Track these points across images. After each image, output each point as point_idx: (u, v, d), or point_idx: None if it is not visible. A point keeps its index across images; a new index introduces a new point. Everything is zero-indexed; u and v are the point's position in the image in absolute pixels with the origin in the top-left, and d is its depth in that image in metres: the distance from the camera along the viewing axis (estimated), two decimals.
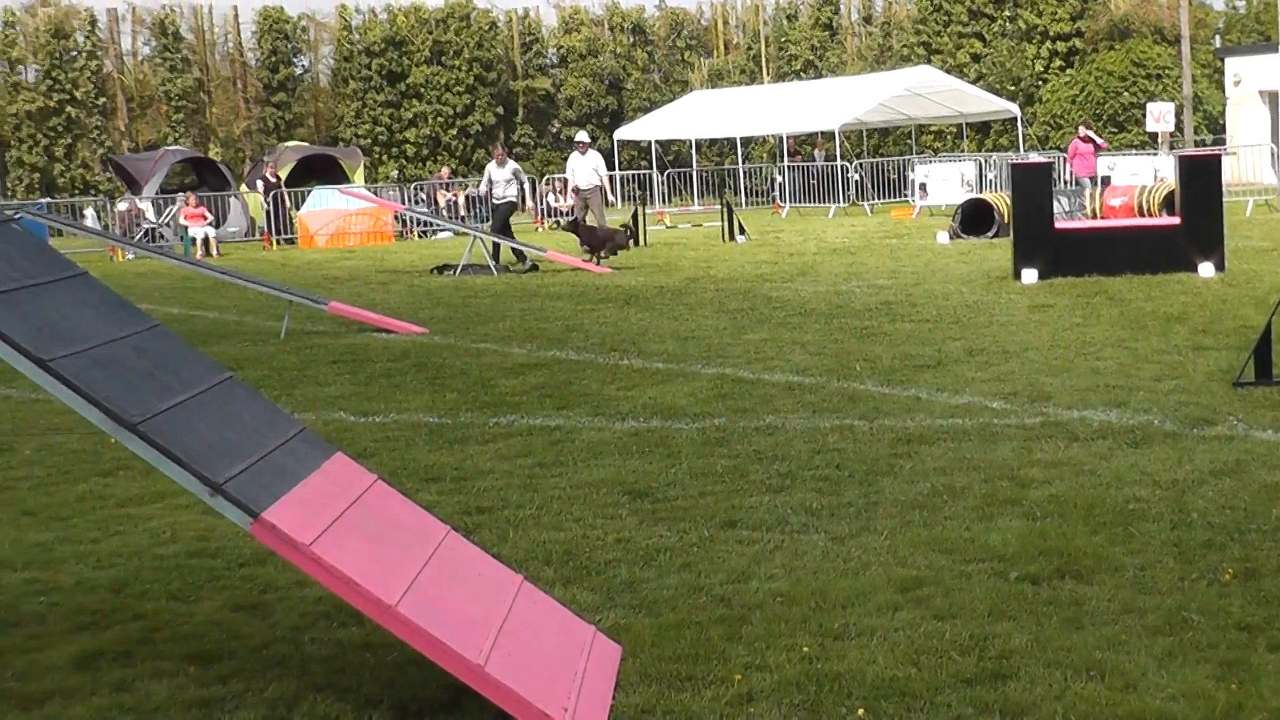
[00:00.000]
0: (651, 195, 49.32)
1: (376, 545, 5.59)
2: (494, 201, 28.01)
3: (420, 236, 39.48)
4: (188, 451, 5.33)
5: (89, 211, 43.37)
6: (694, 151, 53.86)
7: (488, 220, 30.04)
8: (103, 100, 53.13)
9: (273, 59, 56.10)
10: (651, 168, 51.63)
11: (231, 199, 41.89)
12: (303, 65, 58.29)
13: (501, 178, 27.82)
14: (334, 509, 5.63)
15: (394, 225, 39.00)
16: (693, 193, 51.89)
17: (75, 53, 52.68)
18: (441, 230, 37.92)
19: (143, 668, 6.22)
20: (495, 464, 9.91)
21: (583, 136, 31.36)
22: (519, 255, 26.46)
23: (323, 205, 38.74)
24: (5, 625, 6.92)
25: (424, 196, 43.81)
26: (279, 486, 5.51)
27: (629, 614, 6.63)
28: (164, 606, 7.08)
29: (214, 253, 35.69)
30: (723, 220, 33.39)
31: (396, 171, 51.80)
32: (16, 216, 31.41)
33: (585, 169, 29.78)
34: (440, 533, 6.12)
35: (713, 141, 57.50)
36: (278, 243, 38.96)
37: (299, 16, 57.42)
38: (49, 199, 46.55)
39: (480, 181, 30.07)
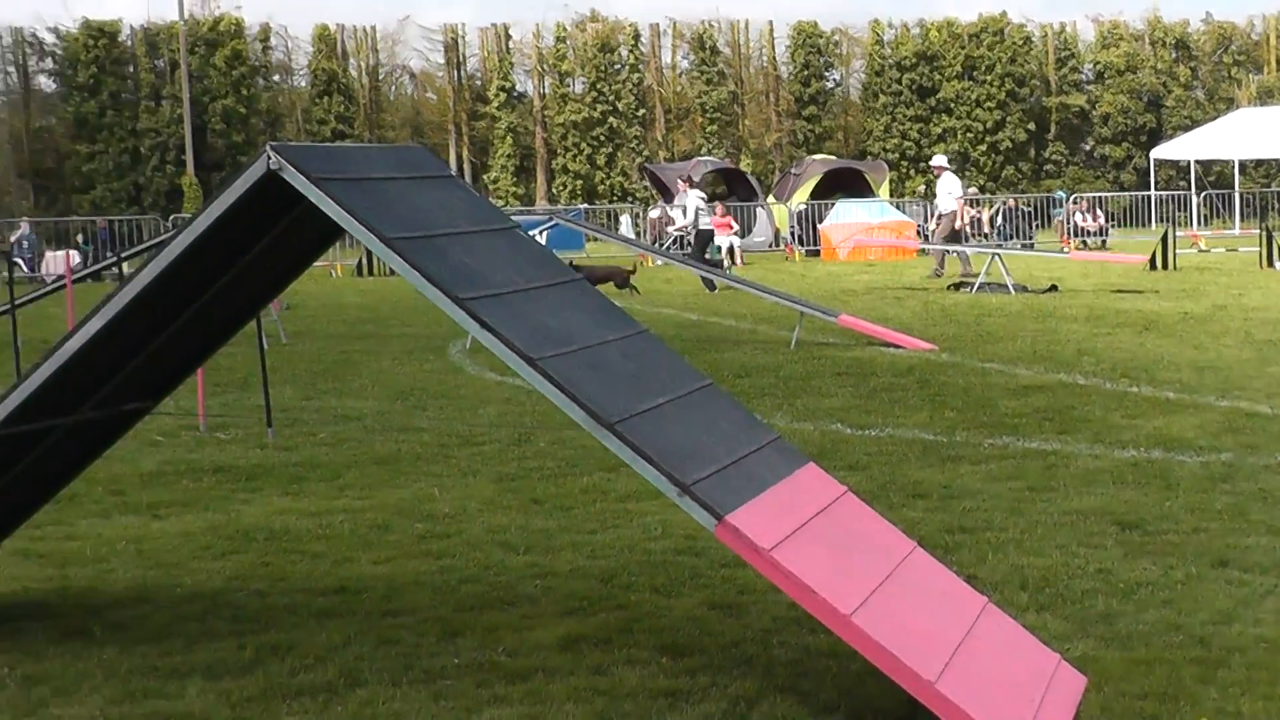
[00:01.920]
0: (1189, 217, 47.42)
1: (838, 555, 5.72)
2: (697, 228, 30.06)
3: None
4: (660, 452, 5.59)
5: (624, 218, 45.32)
6: (1236, 172, 51.42)
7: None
8: (642, 111, 55.39)
9: (805, 72, 57.08)
10: (1189, 188, 49.64)
11: (758, 209, 42.90)
12: (834, 79, 59.06)
13: (693, 204, 30.58)
14: (799, 517, 5.78)
15: (916, 241, 39.01)
16: (1232, 215, 49.57)
17: (619, 66, 55.14)
18: (959, 248, 37.64)
19: (619, 654, 6.56)
20: (985, 485, 9.86)
21: (940, 160, 32.45)
22: (708, 284, 26.66)
23: (846, 219, 39.16)
24: (503, 603, 7.43)
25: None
26: (746, 491, 5.71)
27: (1099, 646, 6.51)
28: (646, 599, 7.43)
29: (738, 261, 36.65)
30: (1261, 245, 31.78)
31: (924, 186, 51.74)
32: (552, 223, 33.22)
33: (942, 193, 30.88)
34: (905, 548, 6.19)
35: (1259, 162, 54.77)
36: (801, 254, 39.64)
37: (832, 30, 58.21)
38: (588, 205, 48.92)
39: (684, 211, 32.39)
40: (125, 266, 21.35)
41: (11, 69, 52.79)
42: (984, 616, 5.98)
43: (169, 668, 6.51)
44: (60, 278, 22.40)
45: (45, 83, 53.84)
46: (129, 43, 51.89)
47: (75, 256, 35.66)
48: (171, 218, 45.41)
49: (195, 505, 9.80)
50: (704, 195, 31.14)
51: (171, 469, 10.99)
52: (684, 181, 33.26)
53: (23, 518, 7.95)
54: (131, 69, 51.87)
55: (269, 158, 5.99)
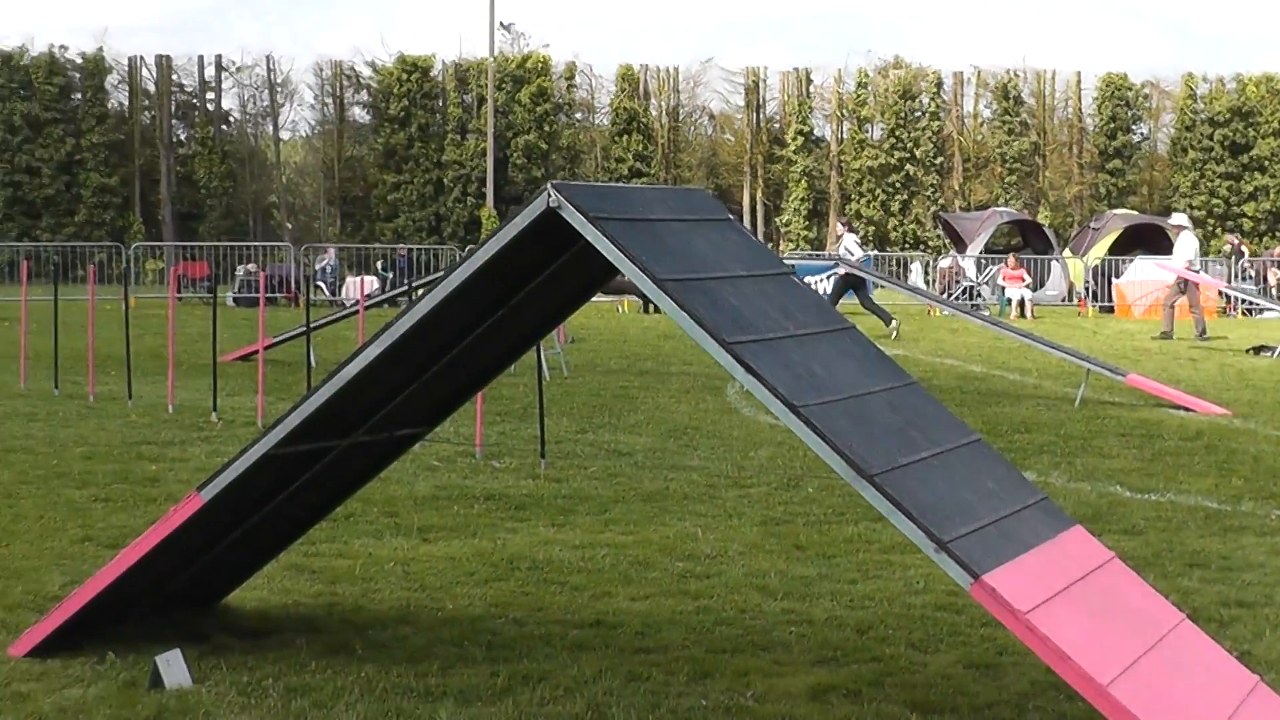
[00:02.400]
0: None
1: (1098, 622, 5.53)
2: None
3: (1245, 314, 37.88)
4: (920, 507, 5.49)
5: (915, 266, 44.86)
6: None
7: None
8: (940, 159, 54.80)
9: (1111, 125, 55.71)
10: None
11: (1053, 262, 42.01)
12: (1141, 132, 57.50)
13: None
14: (1059, 581, 5.61)
15: (1218, 300, 37.66)
16: None
17: (919, 113, 54.66)
18: (1268, 310, 36.22)
19: (869, 708, 6.46)
20: (1268, 558, 9.44)
21: (1179, 219, 32.59)
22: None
23: (1143, 275, 38.04)
24: (756, 648, 7.39)
25: (1253, 273, 42.03)
26: (1007, 551, 5.57)
27: None
28: (901, 653, 7.30)
29: (1028, 315, 35.92)
30: None
31: (1228, 246, 50.02)
32: (838, 269, 33.06)
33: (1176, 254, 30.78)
34: (1173, 619, 5.95)
35: None
36: (1095, 310, 38.66)
37: (1142, 84, 56.69)
38: (878, 252, 48.57)
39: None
40: (418, 295, 21.97)
41: (329, 100, 55.01)
42: (1253, 697, 5.71)
43: (424, 689, 6.65)
44: (357, 302, 23.20)
45: (359, 114, 55.96)
46: (440, 78, 53.55)
47: (373, 282, 36.90)
48: (467, 249, 46.69)
49: (464, 531, 10.00)
50: (858, 240, 32.01)
51: (445, 494, 11.24)
52: (843, 225, 33.73)
53: (299, 533, 8.23)
54: (440, 103, 53.50)
55: (549, 195, 6.10)
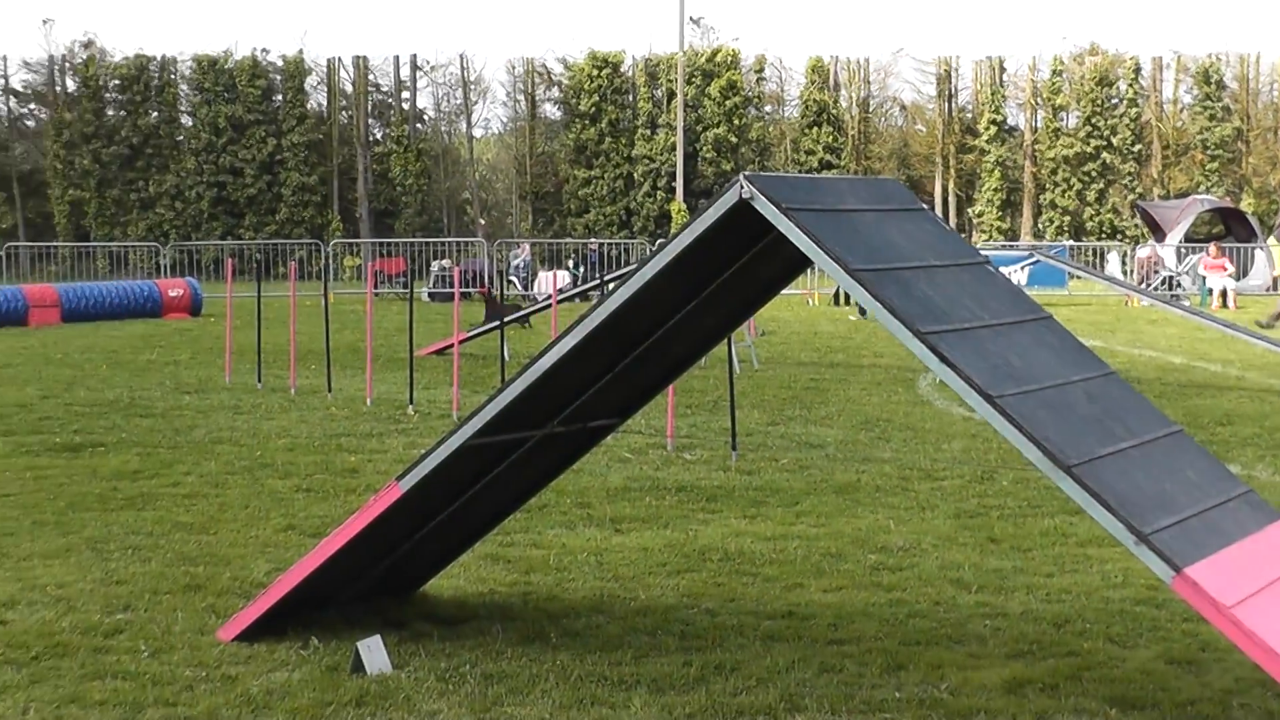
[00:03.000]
0: None
1: None
2: None
3: None
4: (1120, 498, 5.39)
5: (1112, 256, 43.94)
6: None
7: None
8: (1138, 147, 53.59)
9: None
10: None
11: (1257, 251, 40.85)
12: None
13: None
14: (1267, 575, 5.47)
15: None
16: None
17: (1116, 100, 53.50)
18: None
19: (1066, 703, 6.37)
20: None
21: None
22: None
23: None
24: (950, 640, 7.32)
25: None
26: (1210, 544, 5.44)
27: None
28: (1099, 648, 7.18)
29: (1231, 305, 34.98)
30: None
31: None
32: (1033, 259, 32.52)
33: None
34: None
35: None
36: None
37: None
38: (1074, 242, 47.67)
39: None
40: (609, 288, 22.13)
41: (521, 97, 55.65)
42: None
43: (617, 677, 6.71)
44: (549, 297, 23.46)
45: (550, 110, 56.53)
46: (630, 73, 53.85)
47: (565, 277, 37.24)
48: (657, 242, 46.88)
49: (656, 522, 10.06)
50: None
51: (637, 485, 11.32)
52: None
53: (494, 523, 8.35)
54: (631, 98, 53.80)
55: (742, 187, 6.10)
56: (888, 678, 6.73)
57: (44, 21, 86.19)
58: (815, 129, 53.85)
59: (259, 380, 18.06)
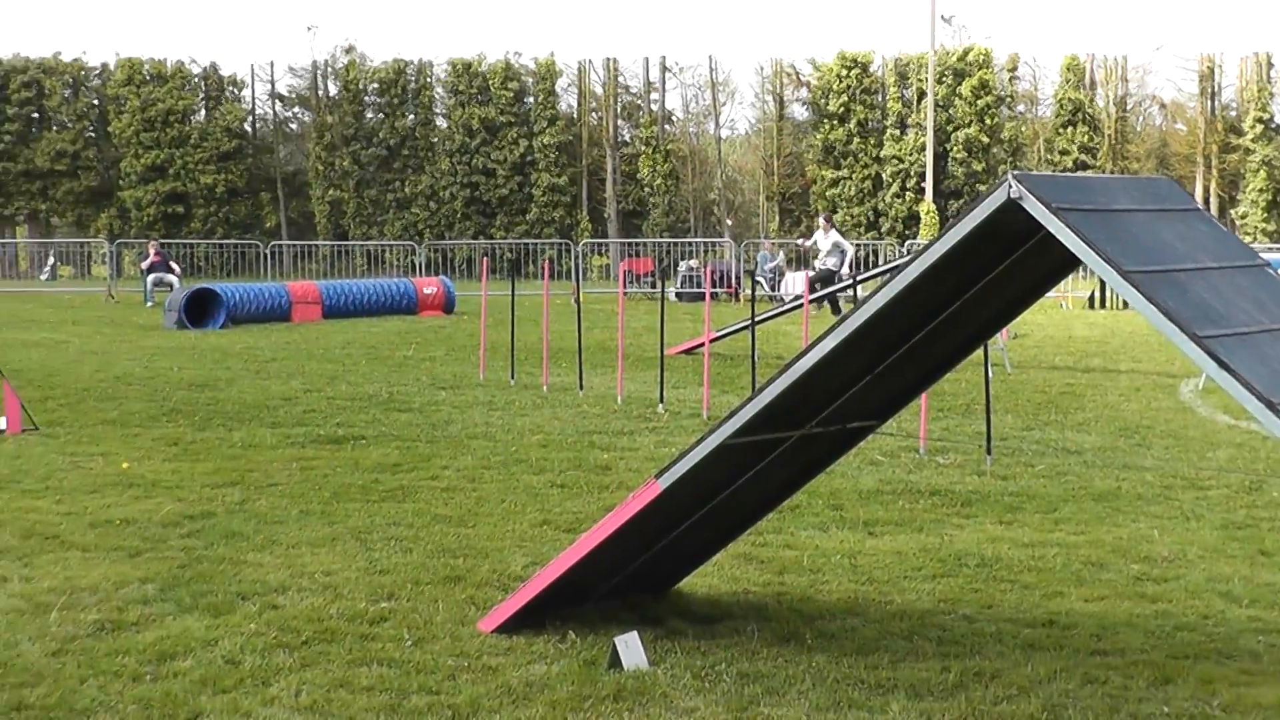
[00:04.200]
0: None
1: None
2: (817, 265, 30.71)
3: None
4: None
5: None
6: None
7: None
8: None
9: None
10: None
11: None
12: None
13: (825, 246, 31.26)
14: None
15: None
16: None
17: None
18: None
19: None
20: None
21: None
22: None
23: None
24: (1221, 655, 7.09)
25: None
26: None
27: None
28: None
29: None
30: None
31: None
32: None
33: None
34: None
35: None
36: None
37: None
38: None
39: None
40: (860, 289, 22.02)
41: (769, 98, 55.63)
42: None
43: (874, 681, 6.64)
44: (798, 297, 23.37)
45: (798, 111, 56.42)
46: (879, 73, 53.43)
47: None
48: (906, 243, 46.36)
49: (909, 526, 9.95)
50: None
51: (889, 488, 11.21)
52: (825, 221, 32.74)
53: (749, 523, 8.35)
54: (880, 98, 53.37)
55: (1010, 186, 5.99)
56: (1155, 691, 6.54)
57: (308, 28, 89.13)
58: (1070, 128, 52.75)
59: (512, 377, 18.37)
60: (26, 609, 7.67)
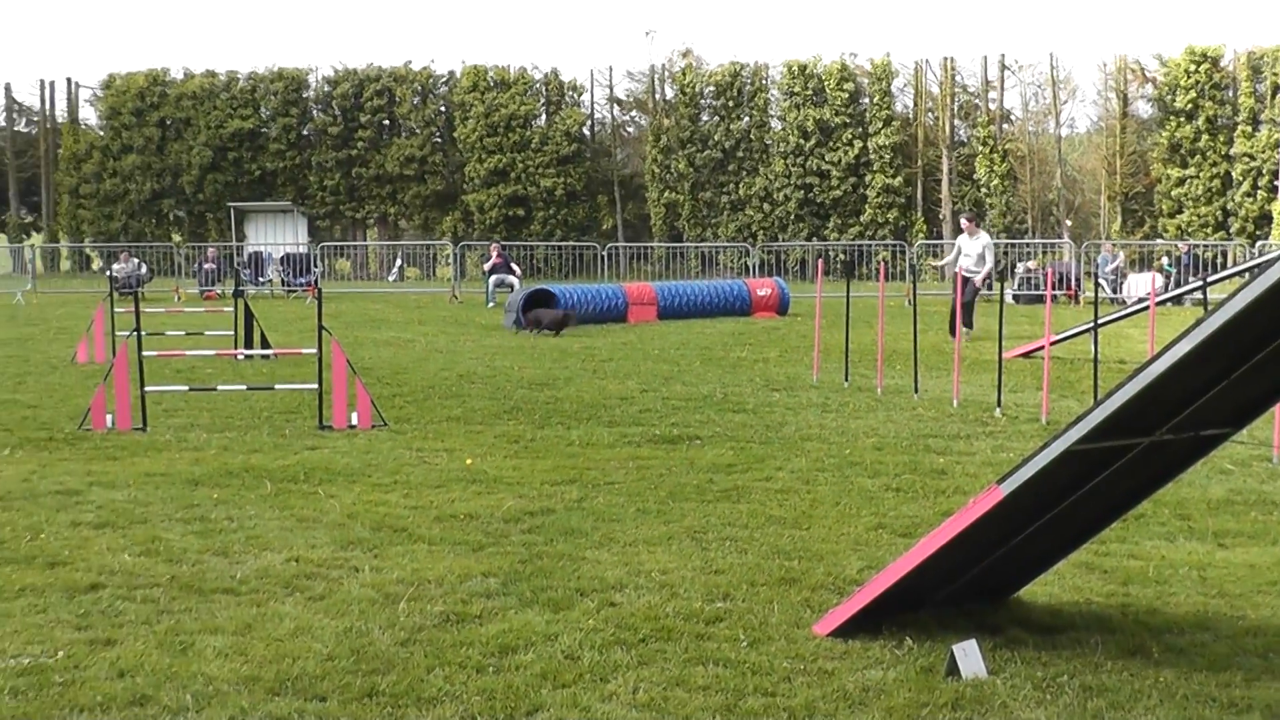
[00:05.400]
0: None
1: None
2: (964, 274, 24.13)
3: None
4: None
5: None
6: None
7: None
8: None
9: None
10: None
11: None
12: None
13: (974, 251, 25.63)
14: None
15: None
16: None
17: None
18: None
19: None
20: None
21: None
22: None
23: None
24: None
25: None
26: None
27: None
28: None
29: None
30: None
31: None
32: None
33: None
34: None
35: None
36: None
37: None
38: None
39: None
40: (1210, 292, 21.20)
41: (1112, 95, 54.07)
42: None
43: (1227, 700, 6.37)
44: (1141, 300, 22.64)
45: (1142, 108, 54.68)
46: (1230, 67, 51.37)
47: (1159, 280, 35.91)
48: (1257, 244, 44.41)
49: (1263, 538, 9.51)
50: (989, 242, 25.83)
51: (1240, 499, 10.74)
52: (968, 223, 26.30)
53: (1093, 532, 8.10)
54: (1231, 93, 51.32)
55: None
56: None
57: (646, 33, 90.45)
58: None
59: (846, 379, 18.28)
60: (377, 599, 7.97)
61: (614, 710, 6.26)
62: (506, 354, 22.46)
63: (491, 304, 36.13)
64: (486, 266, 38.91)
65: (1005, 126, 55.16)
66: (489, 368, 20.25)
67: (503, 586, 8.23)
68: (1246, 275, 6.31)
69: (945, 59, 55.03)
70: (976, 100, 55.56)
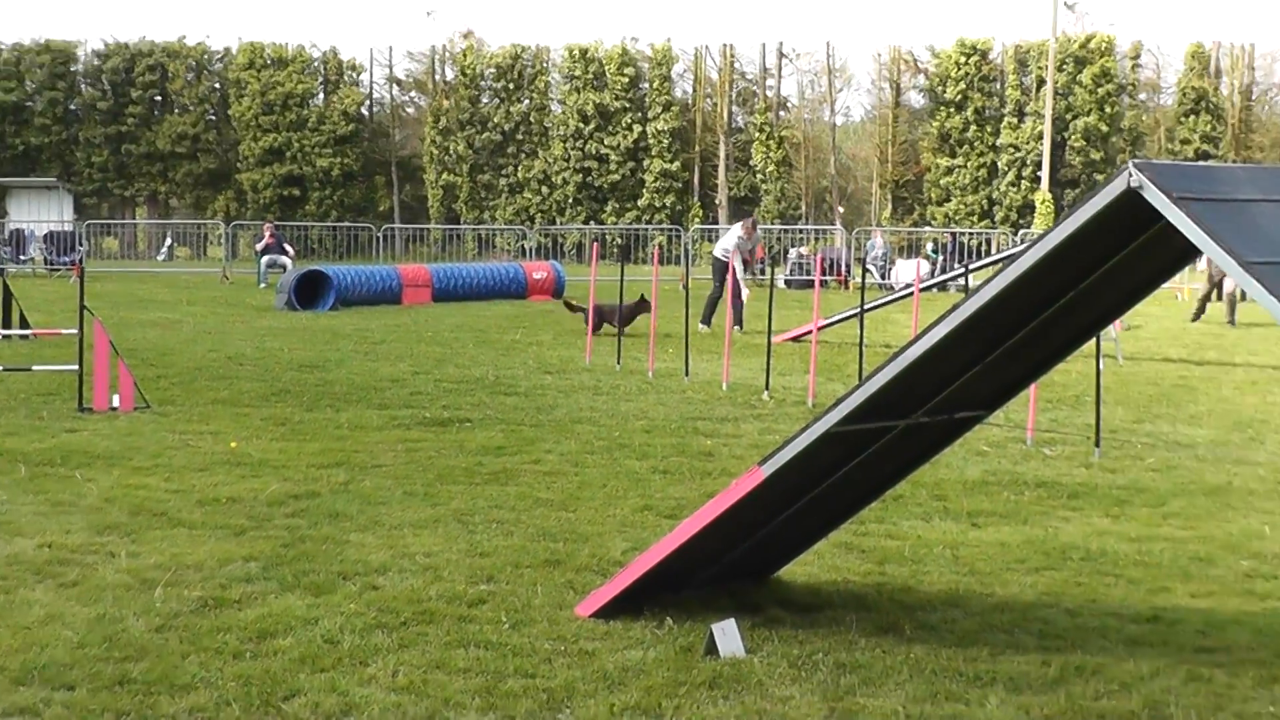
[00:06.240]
0: None
1: None
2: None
3: None
4: None
5: None
6: None
7: None
8: None
9: None
10: None
11: None
12: None
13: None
14: None
15: None
16: None
17: None
18: None
19: None
20: None
21: None
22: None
23: None
24: None
25: None
26: None
27: None
28: None
29: None
30: None
31: None
32: None
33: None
34: None
35: None
36: None
37: None
38: None
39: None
40: (972, 278, 21.81)
41: (885, 85, 55.26)
42: None
43: (973, 674, 6.56)
44: (908, 286, 23.19)
45: (914, 98, 55.99)
46: (999, 60, 52.86)
47: (924, 266, 36.85)
48: (1020, 233, 45.82)
49: (1014, 518, 9.83)
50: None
51: (995, 480, 11.08)
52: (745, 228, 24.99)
53: (851, 512, 8.29)
54: (999, 85, 52.81)
55: (1130, 175, 5.87)
56: (1261, 691, 6.40)
57: (427, 14, 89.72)
58: (1192, 117, 51.90)
59: (618, 362, 18.39)
60: (133, 584, 7.78)
61: (373, 694, 6.21)
62: (277, 335, 22.13)
63: (264, 285, 35.55)
64: (259, 247, 38.29)
65: (782, 114, 56.02)
66: (259, 349, 19.92)
67: (263, 571, 8.10)
68: (1003, 263, 6.50)
69: (725, 46, 55.70)
70: (754, 87, 56.33)
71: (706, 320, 23.50)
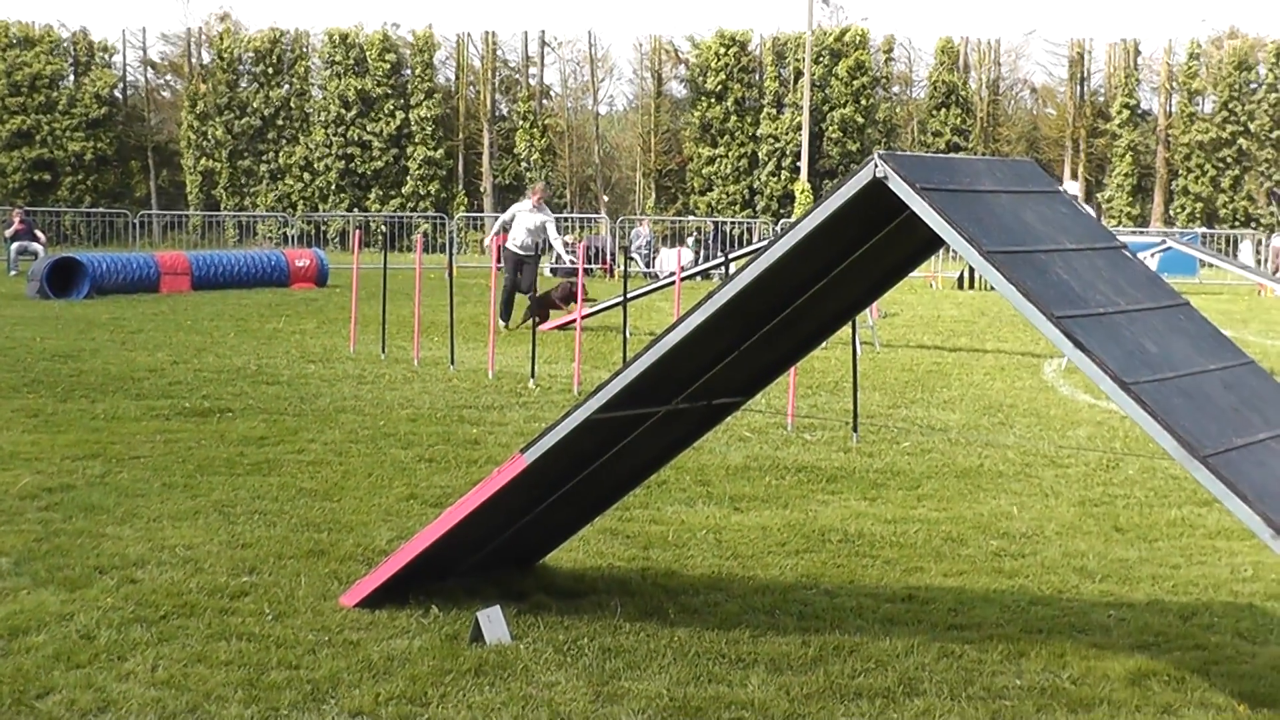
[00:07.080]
0: None
1: None
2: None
3: None
4: (1256, 490, 5.28)
5: (1245, 244, 43.12)
6: None
7: None
8: (1277, 133, 52.46)
9: None
10: None
11: None
12: None
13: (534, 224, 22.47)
14: None
15: None
16: None
17: (1255, 85, 52.38)
18: None
19: (1192, 696, 6.27)
20: None
21: None
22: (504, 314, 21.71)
23: None
24: (1073, 629, 7.24)
25: None
26: None
27: None
28: (1228, 641, 7.05)
29: None
30: None
31: None
32: (1164, 246, 31.96)
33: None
34: None
35: None
36: None
37: None
38: (1206, 229, 46.81)
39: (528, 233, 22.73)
40: (733, 267, 22.13)
41: (647, 75, 55.65)
42: None
43: (735, 655, 6.70)
44: (671, 274, 23.45)
45: (676, 88, 56.49)
46: (757, 52, 53.63)
47: (687, 255, 37.24)
48: (780, 222, 46.64)
49: (775, 501, 10.03)
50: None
51: (756, 465, 11.29)
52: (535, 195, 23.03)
53: (615, 498, 8.37)
54: (758, 77, 53.58)
55: (875, 165, 6.04)
56: (1008, 664, 6.66)
57: None
58: (943, 110, 53.32)
59: (383, 351, 18.24)
60: None
61: (131, 689, 6.08)
62: (28, 324, 21.41)
63: (14, 272, 34.33)
64: (8, 233, 36.97)
65: (545, 102, 56.01)
66: (8, 339, 19.26)
67: (15, 566, 7.87)
68: (758, 252, 6.63)
69: (487, 33, 55.43)
70: (517, 75, 56.19)
71: (505, 315, 22.17)
